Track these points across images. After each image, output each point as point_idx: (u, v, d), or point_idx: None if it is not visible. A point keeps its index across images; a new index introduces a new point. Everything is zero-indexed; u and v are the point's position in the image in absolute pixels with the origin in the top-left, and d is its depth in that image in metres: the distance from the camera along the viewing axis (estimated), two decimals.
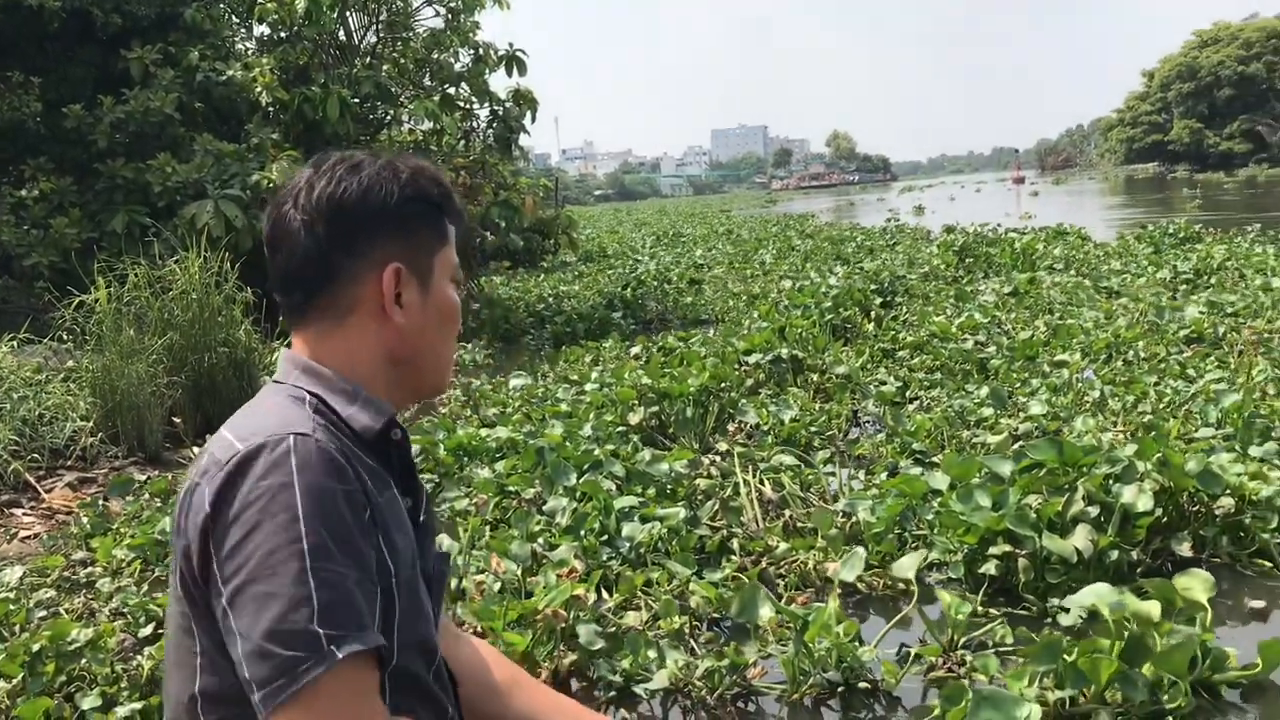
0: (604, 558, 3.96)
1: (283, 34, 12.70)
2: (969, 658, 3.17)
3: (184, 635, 1.30)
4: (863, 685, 3.12)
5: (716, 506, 4.44)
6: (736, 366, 7.29)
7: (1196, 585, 3.14)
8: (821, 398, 6.82)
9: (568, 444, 5.18)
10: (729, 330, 9.47)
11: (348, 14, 13.20)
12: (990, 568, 3.60)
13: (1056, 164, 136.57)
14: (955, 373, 7.07)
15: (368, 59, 13.34)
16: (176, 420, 6.60)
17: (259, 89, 11.39)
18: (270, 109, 11.68)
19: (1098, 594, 3.05)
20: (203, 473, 1.27)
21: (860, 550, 3.79)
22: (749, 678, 3.12)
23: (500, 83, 13.85)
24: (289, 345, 1.48)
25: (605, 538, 4.07)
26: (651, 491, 4.52)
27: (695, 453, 5.33)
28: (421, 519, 1.50)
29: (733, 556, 4.08)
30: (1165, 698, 2.76)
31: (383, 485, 1.37)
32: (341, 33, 13.34)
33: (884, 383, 6.87)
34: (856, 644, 3.16)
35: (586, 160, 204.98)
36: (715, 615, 3.62)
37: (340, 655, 1.13)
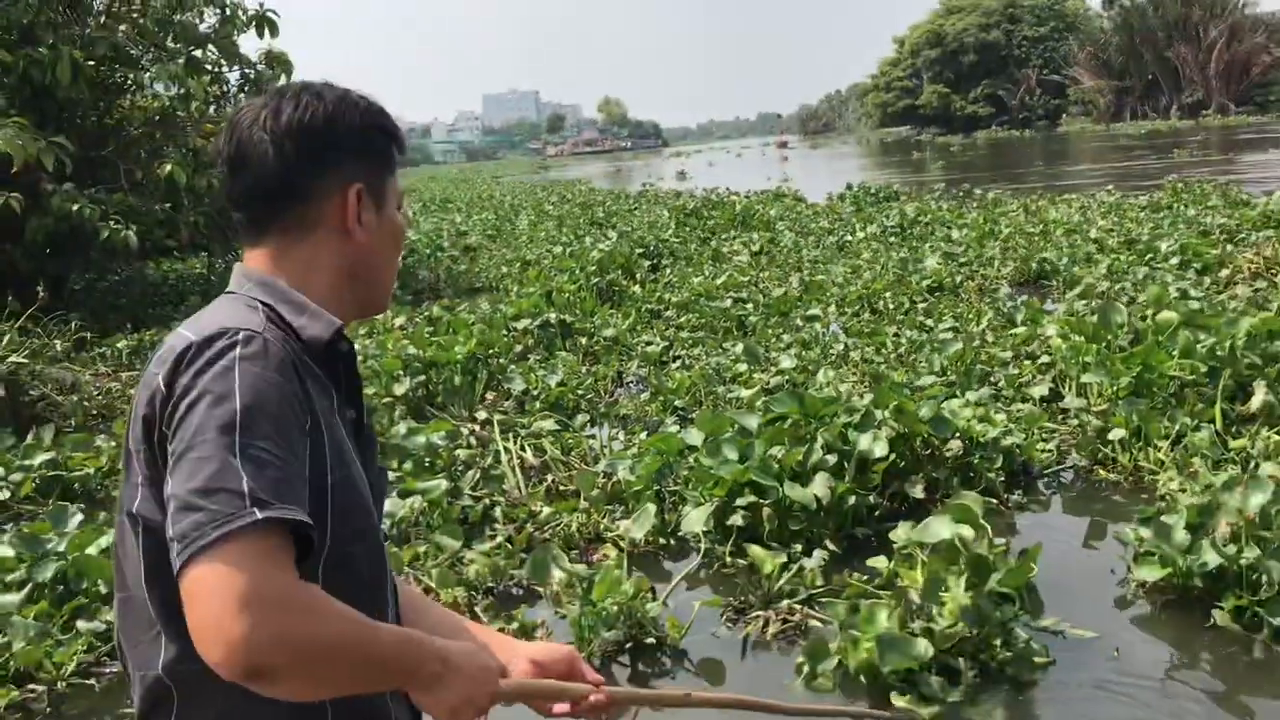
0: None
1: None
2: (798, 607, 3.31)
3: (130, 520, 1.36)
4: (649, 641, 3.19)
5: (477, 476, 4.42)
6: (505, 333, 7.27)
7: (974, 506, 3.39)
8: (590, 360, 6.89)
9: None
10: (498, 297, 9.42)
11: None
12: (738, 519, 3.72)
13: (817, 128, 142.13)
14: (717, 331, 7.28)
15: (102, 19, 12.43)
16: None
17: None
18: None
19: (939, 525, 3.28)
20: (159, 362, 1.35)
21: (650, 508, 3.86)
22: (538, 639, 3.14)
23: (252, 44, 13.17)
24: (240, 260, 1.54)
25: None
26: (409, 465, 4.45)
27: (455, 424, 5.28)
28: (365, 430, 1.59)
29: (497, 525, 4.08)
30: (998, 612, 2.97)
31: (324, 393, 1.45)
32: None
33: (650, 343, 7.01)
34: (647, 600, 3.22)
35: None
36: (490, 585, 3.63)
37: (259, 515, 1.18)
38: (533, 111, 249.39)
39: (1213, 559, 3.05)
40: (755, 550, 3.42)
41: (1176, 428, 4.33)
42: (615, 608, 3.15)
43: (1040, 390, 4.93)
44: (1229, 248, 8.40)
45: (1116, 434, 4.37)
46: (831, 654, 2.89)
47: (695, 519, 3.77)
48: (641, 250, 11.38)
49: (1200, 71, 70.96)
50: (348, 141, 1.50)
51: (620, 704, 1.65)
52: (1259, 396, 4.45)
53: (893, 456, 3.97)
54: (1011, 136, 64.95)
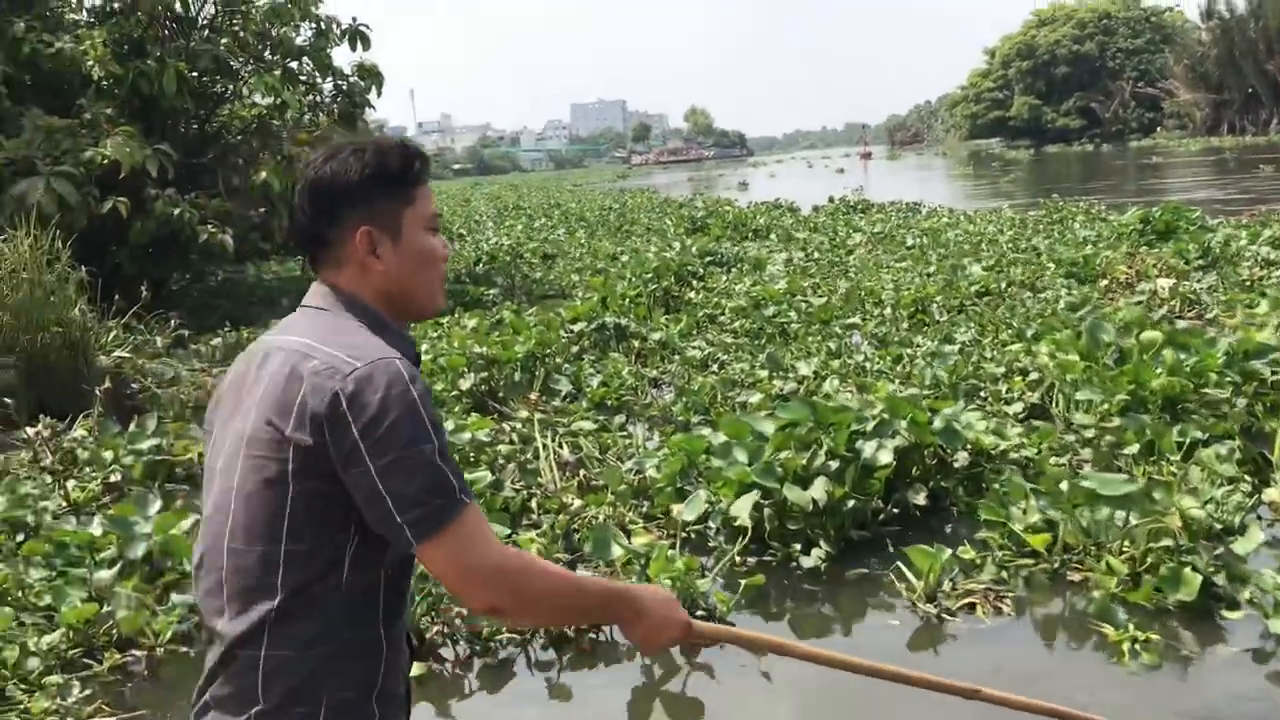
0: None
1: (115, 5, 12.44)
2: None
3: (270, 488, 1.65)
4: (700, 613, 3.55)
5: (516, 471, 4.87)
6: (562, 334, 7.76)
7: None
8: (642, 363, 7.33)
9: None
10: (561, 303, 9.93)
11: None
12: (744, 518, 4.03)
13: (905, 139, 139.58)
14: (762, 337, 7.67)
15: (205, 32, 13.20)
16: (8, 401, 6.66)
17: (91, 62, 11.15)
18: (104, 83, 11.39)
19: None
20: (316, 373, 1.64)
21: (702, 493, 4.22)
22: None
23: (346, 57, 13.84)
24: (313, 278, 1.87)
25: None
26: (456, 459, 4.88)
27: (496, 422, 5.67)
28: None
29: (533, 515, 4.53)
30: None
31: None
32: (178, 4, 13.12)
33: (698, 348, 7.41)
34: (696, 576, 3.61)
35: (444, 134, 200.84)
36: None
37: (468, 501, 1.64)
38: (619, 121, 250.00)
39: None
40: (917, 551, 3.67)
41: (1187, 441, 4.53)
42: (669, 581, 3.50)
43: (1018, 407, 5.18)
44: (1108, 259, 9.43)
45: (1131, 448, 4.57)
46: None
47: (742, 506, 4.08)
48: (711, 258, 11.90)
49: None
50: (348, 195, 1.82)
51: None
52: None
53: (896, 464, 4.22)
54: (1084, 152, 64.06)
